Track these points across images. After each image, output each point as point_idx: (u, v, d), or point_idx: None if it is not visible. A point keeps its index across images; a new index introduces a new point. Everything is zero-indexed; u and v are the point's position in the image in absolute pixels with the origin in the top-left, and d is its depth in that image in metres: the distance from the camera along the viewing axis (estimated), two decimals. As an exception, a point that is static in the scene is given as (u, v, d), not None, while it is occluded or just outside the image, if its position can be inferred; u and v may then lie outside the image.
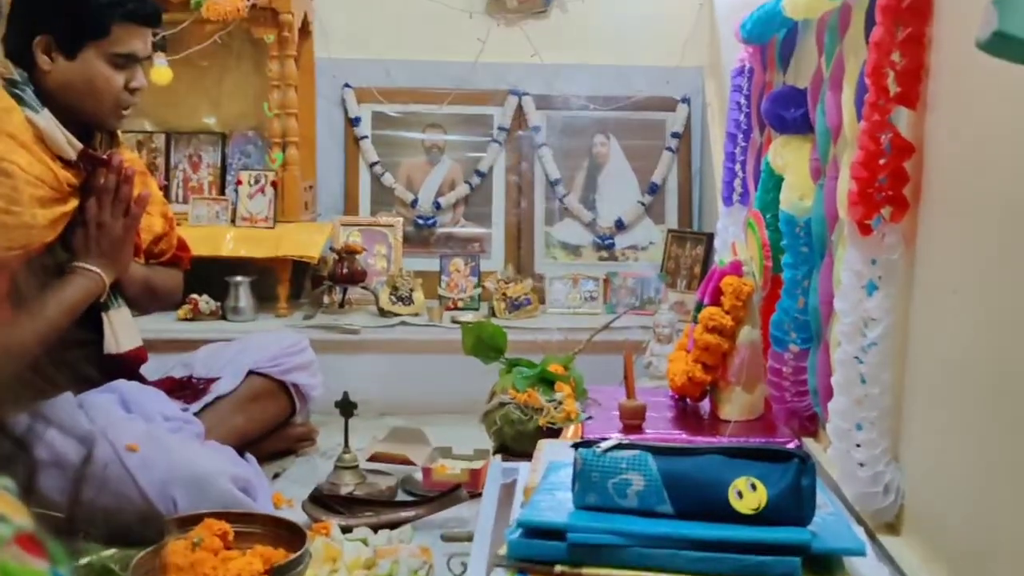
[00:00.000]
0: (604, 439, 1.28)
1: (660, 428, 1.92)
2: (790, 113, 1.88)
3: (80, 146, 1.92)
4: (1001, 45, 0.65)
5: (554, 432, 1.94)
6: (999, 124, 1.14)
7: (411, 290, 3.02)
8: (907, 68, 1.33)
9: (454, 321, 2.92)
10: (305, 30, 3.17)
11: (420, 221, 3.31)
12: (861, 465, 1.40)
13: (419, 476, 2.20)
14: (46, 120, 1.87)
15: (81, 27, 1.90)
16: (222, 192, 3.22)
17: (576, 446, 1.25)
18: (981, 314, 1.17)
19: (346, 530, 1.89)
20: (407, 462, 2.25)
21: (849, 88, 1.55)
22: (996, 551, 1.12)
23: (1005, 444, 1.10)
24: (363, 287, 3.04)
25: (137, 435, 1.87)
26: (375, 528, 1.91)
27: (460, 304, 3.09)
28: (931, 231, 1.34)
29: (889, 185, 1.35)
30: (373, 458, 2.28)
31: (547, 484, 1.34)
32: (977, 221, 1.20)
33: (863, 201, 1.36)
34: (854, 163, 1.38)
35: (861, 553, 1.16)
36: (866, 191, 1.36)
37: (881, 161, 1.35)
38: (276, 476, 2.31)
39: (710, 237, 2.99)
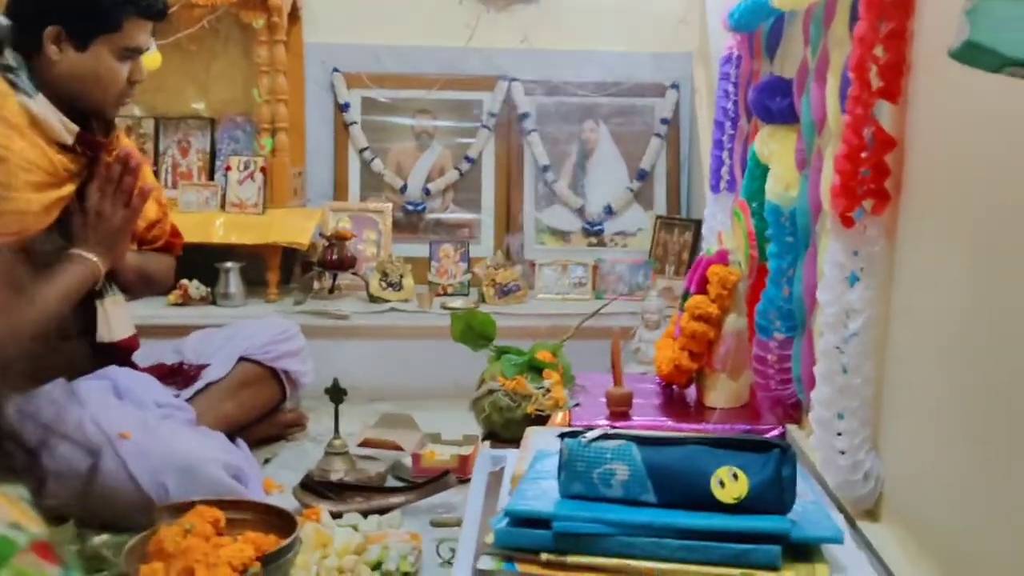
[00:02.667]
0: (590, 428, 1.30)
1: (647, 415, 1.95)
2: (776, 103, 1.90)
3: (76, 129, 1.93)
4: (972, 54, 0.67)
5: (542, 419, 1.97)
6: (979, 118, 1.16)
7: (401, 276, 3.03)
8: (889, 63, 1.34)
9: (444, 307, 2.94)
10: (294, 15, 3.16)
11: (410, 207, 3.32)
12: (842, 453, 1.42)
13: (408, 462, 2.22)
14: (40, 105, 1.88)
15: (94, 21, 1.92)
16: (211, 178, 3.22)
17: (562, 436, 1.27)
18: (960, 305, 1.20)
19: (336, 516, 1.91)
20: (397, 448, 2.27)
21: (833, 81, 1.56)
22: (972, 536, 1.14)
23: (981, 433, 1.12)
24: (353, 273, 3.06)
25: (130, 423, 1.88)
26: (365, 514, 1.94)
27: (450, 290, 3.11)
28: (912, 224, 1.36)
29: (871, 178, 1.37)
30: (363, 444, 2.30)
31: (533, 473, 1.36)
32: (957, 214, 1.22)
33: (845, 194, 1.38)
34: (837, 156, 1.40)
35: (838, 541, 1.18)
36: (848, 184, 1.38)
37: (863, 155, 1.37)
38: (267, 462, 2.34)
39: (698, 223, 3.01)
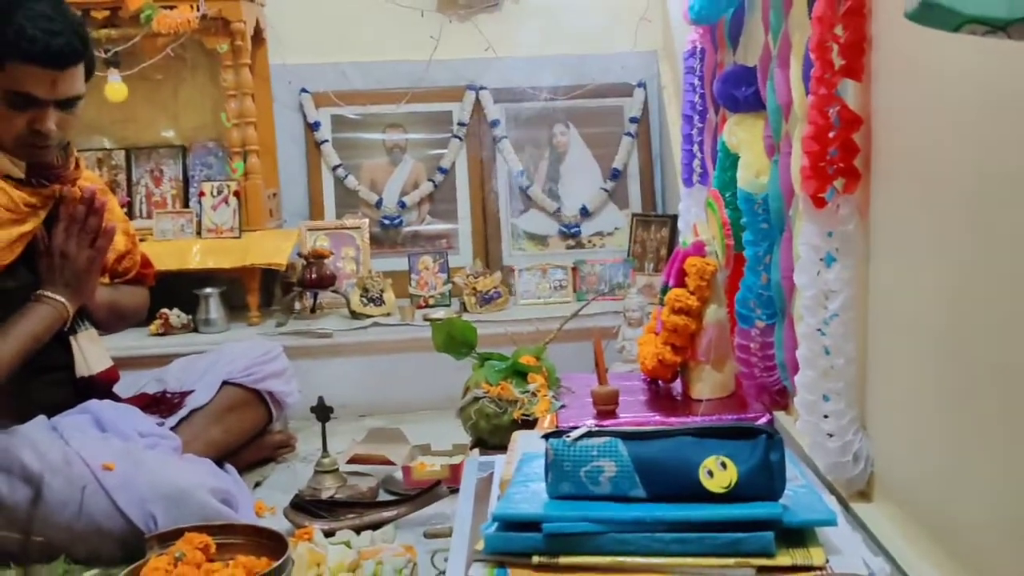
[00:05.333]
0: (576, 428, 1.29)
1: (634, 411, 1.94)
2: (741, 92, 1.90)
3: (23, 163, 1.89)
4: (927, 14, 0.66)
5: (529, 423, 1.95)
6: (940, 90, 1.16)
7: (381, 291, 3.02)
8: (850, 41, 1.34)
9: (426, 319, 2.93)
10: (258, 37, 3.15)
11: (386, 221, 3.31)
12: (830, 436, 1.42)
13: (399, 475, 2.20)
14: None
15: None
16: (186, 205, 3.21)
17: (547, 436, 1.26)
18: (937, 279, 1.19)
19: (329, 534, 1.89)
20: (387, 462, 2.25)
21: (796, 64, 1.56)
22: (964, 510, 1.14)
23: (966, 406, 1.12)
24: (333, 291, 3.04)
25: (113, 454, 1.86)
26: (358, 530, 1.92)
27: (431, 302, 3.09)
28: (884, 200, 1.36)
29: (840, 157, 1.37)
30: (353, 460, 2.28)
31: (521, 476, 1.35)
32: (927, 186, 1.21)
33: (816, 175, 1.38)
34: (805, 137, 1.40)
35: (832, 523, 1.17)
36: (818, 165, 1.38)
37: (831, 134, 1.37)
38: (257, 485, 2.32)
39: (674, 219, 3.01)
